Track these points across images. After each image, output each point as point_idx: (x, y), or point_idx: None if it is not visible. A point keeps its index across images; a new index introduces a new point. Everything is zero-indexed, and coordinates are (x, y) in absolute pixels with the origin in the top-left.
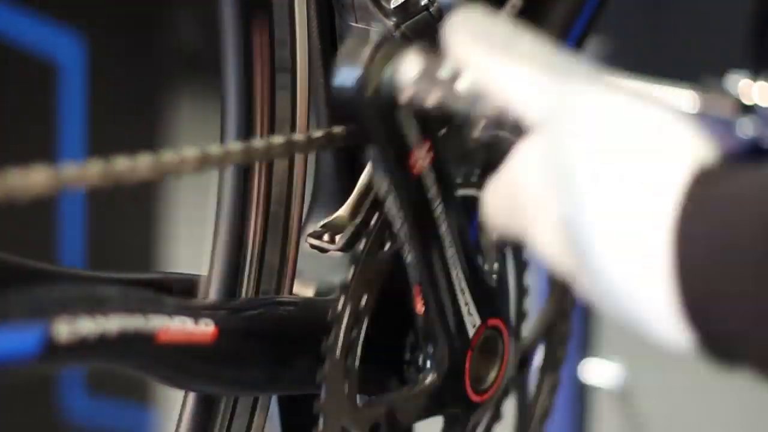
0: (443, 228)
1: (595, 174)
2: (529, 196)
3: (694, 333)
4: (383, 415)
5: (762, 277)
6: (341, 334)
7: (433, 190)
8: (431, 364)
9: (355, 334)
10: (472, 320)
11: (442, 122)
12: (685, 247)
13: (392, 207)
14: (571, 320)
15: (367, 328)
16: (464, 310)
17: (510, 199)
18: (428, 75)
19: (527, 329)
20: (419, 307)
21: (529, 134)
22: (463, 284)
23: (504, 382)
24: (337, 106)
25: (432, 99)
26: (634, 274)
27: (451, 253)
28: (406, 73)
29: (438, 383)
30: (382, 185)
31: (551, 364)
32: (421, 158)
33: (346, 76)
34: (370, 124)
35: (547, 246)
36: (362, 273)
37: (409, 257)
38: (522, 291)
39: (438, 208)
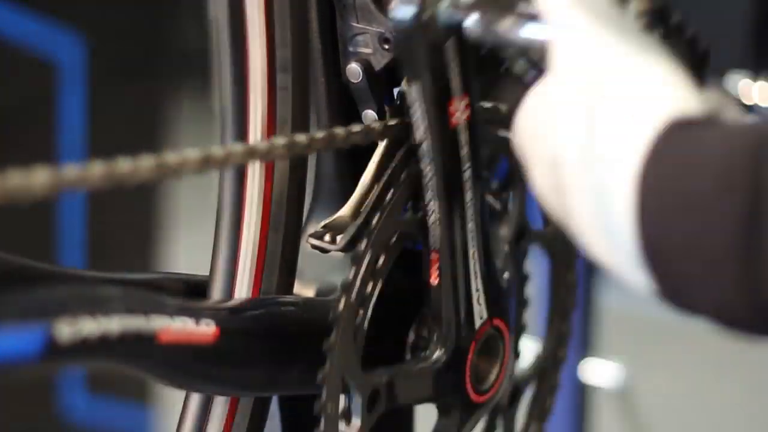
0: (468, 196)
1: (578, 117)
2: (528, 136)
3: (652, 275)
4: (384, 384)
5: (711, 224)
6: (342, 332)
7: (465, 150)
8: (436, 344)
9: (358, 329)
10: (480, 311)
11: (485, 68)
12: (646, 190)
13: (424, 158)
14: (571, 322)
15: (368, 325)
16: (475, 296)
17: (521, 135)
18: (489, 20)
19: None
20: (433, 278)
21: (546, 74)
22: (478, 268)
23: (504, 383)
24: (395, 39)
25: (491, 39)
26: (601, 218)
27: (471, 227)
28: (468, 17)
29: (441, 364)
30: (418, 130)
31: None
32: (460, 111)
33: (404, 7)
34: (418, 56)
35: (539, 184)
36: (364, 273)
37: (431, 217)
38: (522, 303)
39: (467, 172)
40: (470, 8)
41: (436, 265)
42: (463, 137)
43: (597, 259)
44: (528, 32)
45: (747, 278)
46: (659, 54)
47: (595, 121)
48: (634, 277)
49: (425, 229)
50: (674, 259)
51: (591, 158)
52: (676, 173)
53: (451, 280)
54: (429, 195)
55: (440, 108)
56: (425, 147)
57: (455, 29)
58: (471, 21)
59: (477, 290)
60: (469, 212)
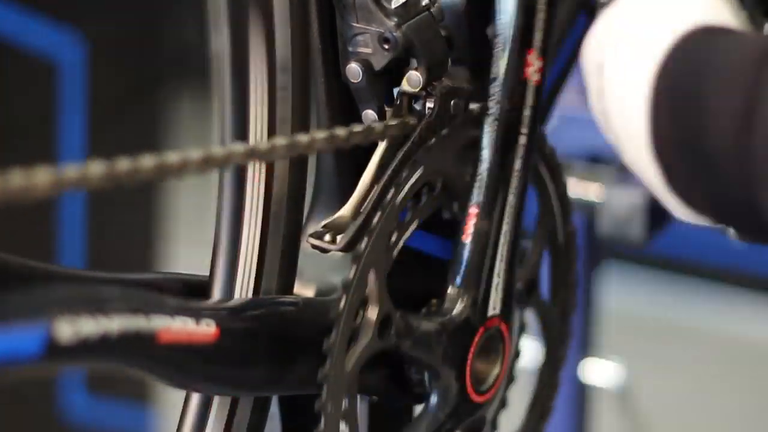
0: (518, 164)
1: (622, 25)
2: (589, 48)
3: (660, 167)
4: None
5: (712, 120)
6: (342, 333)
7: (527, 112)
8: (449, 306)
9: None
10: (494, 301)
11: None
12: (661, 86)
13: (495, 93)
14: (571, 321)
15: None
16: (495, 281)
17: (585, 48)
18: None
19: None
20: (465, 236)
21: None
22: (505, 251)
23: (504, 383)
24: None
25: None
26: (624, 114)
27: (511, 200)
28: None
29: (448, 334)
30: (496, 66)
31: (551, 365)
32: (533, 68)
33: None
34: None
35: (590, 89)
36: (364, 272)
37: (481, 166)
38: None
39: (522, 137)
40: None
41: (472, 222)
42: (530, 96)
43: (626, 162)
44: None
45: (741, 175)
46: None
47: (632, 27)
48: (648, 173)
49: (469, 182)
50: (678, 153)
51: (623, 58)
52: (690, 71)
53: (481, 242)
54: (485, 140)
55: (521, 49)
56: (497, 84)
57: None
58: None
59: (498, 275)
60: (514, 183)
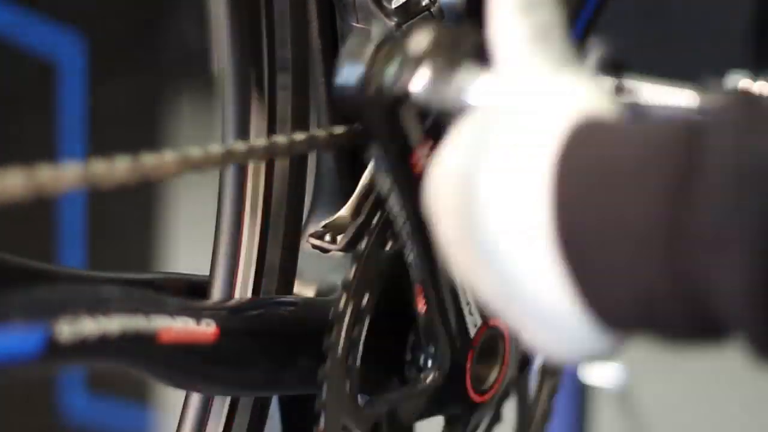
0: None
1: (485, 152)
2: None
3: (572, 280)
4: (384, 414)
5: (633, 200)
6: (343, 333)
7: None
8: (432, 364)
9: (356, 333)
10: (473, 320)
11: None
12: (561, 182)
13: (394, 205)
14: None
15: (368, 327)
16: (466, 309)
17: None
18: (436, 83)
19: None
20: (421, 307)
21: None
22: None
23: (504, 382)
24: (339, 104)
25: (438, 105)
26: (516, 233)
27: None
28: (414, 82)
29: (439, 382)
30: (384, 183)
31: (552, 367)
32: (424, 157)
33: (348, 74)
34: (372, 123)
35: (446, 233)
36: (364, 272)
37: (410, 256)
38: None
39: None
40: (419, 63)
41: (421, 295)
42: None
43: (500, 285)
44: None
45: (675, 259)
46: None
47: (498, 144)
48: (548, 293)
49: (404, 264)
50: (593, 247)
51: (503, 167)
52: (595, 156)
53: (438, 307)
54: (403, 238)
55: (402, 163)
56: (393, 198)
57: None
58: (419, 85)
59: (468, 304)
60: None
